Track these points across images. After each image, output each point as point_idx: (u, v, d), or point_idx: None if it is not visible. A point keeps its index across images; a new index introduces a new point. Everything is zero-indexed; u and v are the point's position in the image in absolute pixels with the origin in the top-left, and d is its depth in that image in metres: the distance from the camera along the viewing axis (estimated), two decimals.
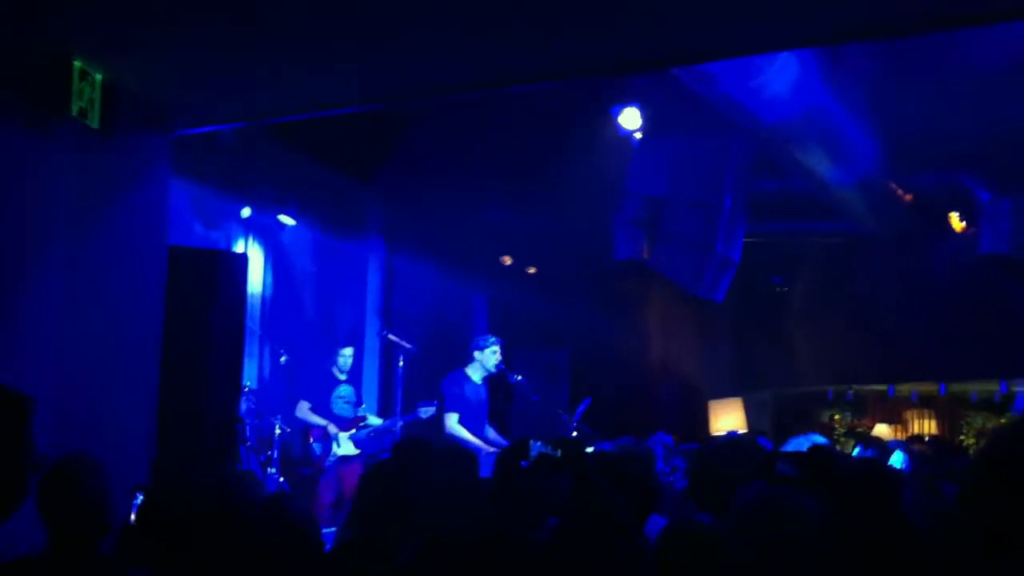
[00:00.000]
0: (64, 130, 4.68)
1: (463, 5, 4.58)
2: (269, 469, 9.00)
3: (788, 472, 3.24)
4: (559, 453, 3.62)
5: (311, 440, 9.22)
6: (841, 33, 4.77)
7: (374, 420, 9.73)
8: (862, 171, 9.91)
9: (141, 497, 3.90)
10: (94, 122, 4.76)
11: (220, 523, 3.00)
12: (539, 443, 3.72)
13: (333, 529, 6.15)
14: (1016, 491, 1.59)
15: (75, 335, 4.90)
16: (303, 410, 9.24)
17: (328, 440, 9.15)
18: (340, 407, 9.35)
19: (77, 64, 4.65)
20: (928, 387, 14.61)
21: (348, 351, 9.53)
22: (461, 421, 8.50)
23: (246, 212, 9.76)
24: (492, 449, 8.12)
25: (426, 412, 9.11)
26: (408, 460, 5.07)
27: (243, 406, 8.51)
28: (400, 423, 9.39)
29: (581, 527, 3.49)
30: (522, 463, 3.70)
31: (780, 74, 7.65)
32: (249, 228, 10.21)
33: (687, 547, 2.75)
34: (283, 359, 9.92)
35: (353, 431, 9.25)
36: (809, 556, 3.01)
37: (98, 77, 4.76)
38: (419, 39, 4.82)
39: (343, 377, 9.45)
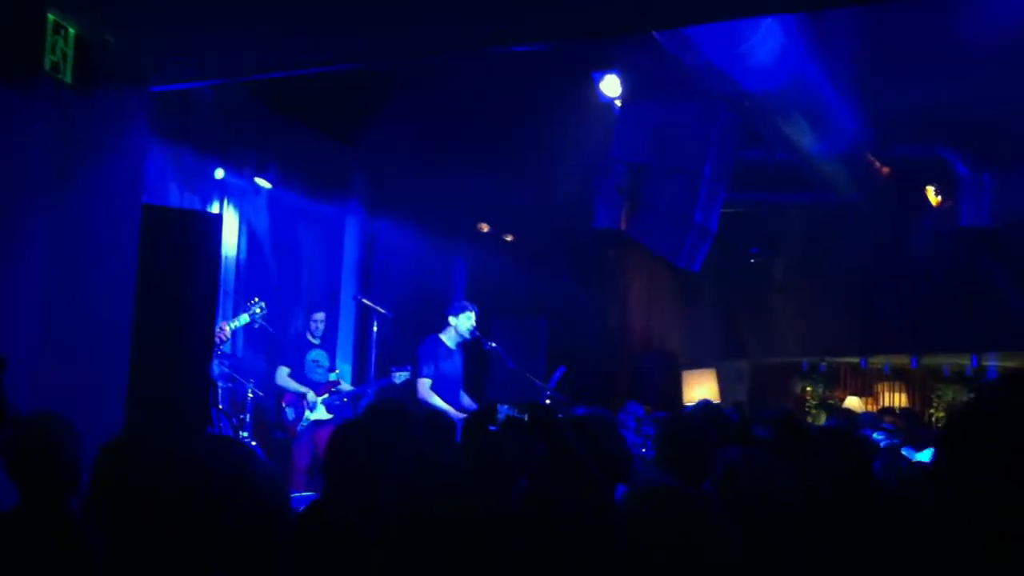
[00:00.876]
0: (36, 84, 4.59)
1: None
2: (241, 432, 8.96)
3: (764, 436, 3.25)
4: (526, 417, 3.60)
5: (284, 404, 9.20)
6: None
7: (347, 386, 9.72)
8: (843, 143, 9.91)
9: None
10: (67, 76, 4.67)
11: (182, 490, 2.97)
12: (507, 406, 3.71)
13: (309, 493, 6.15)
14: (977, 470, 1.58)
15: (50, 293, 4.84)
16: (282, 376, 9.22)
17: (302, 405, 9.13)
18: (313, 371, 9.33)
19: (51, 17, 4.55)
20: (901, 360, 14.72)
21: (320, 315, 9.51)
22: (435, 387, 8.48)
23: (219, 173, 9.65)
24: (465, 415, 8.12)
25: (400, 377, 9.11)
26: (382, 420, 5.06)
27: (216, 369, 8.46)
28: (374, 388, 9.37)
29: (554, 489, 3.48)
30: (490, 427, 3.69)
31: (764, 42, 7.61)
32: (224, 190, 10.11)
33: (652, 508, 2.73)
34: (259, 311, 9.78)
35: (326, 396, 9.23)
36: (784, 518, 3.02)
37: (72, 30, 4.66)
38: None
39: (316, 341, 9.43)
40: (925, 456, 6.20)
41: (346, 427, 4.18)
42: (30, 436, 3.41)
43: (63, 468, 3.37)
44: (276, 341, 9.77)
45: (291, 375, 9.22)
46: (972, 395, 1.74)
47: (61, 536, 3.21)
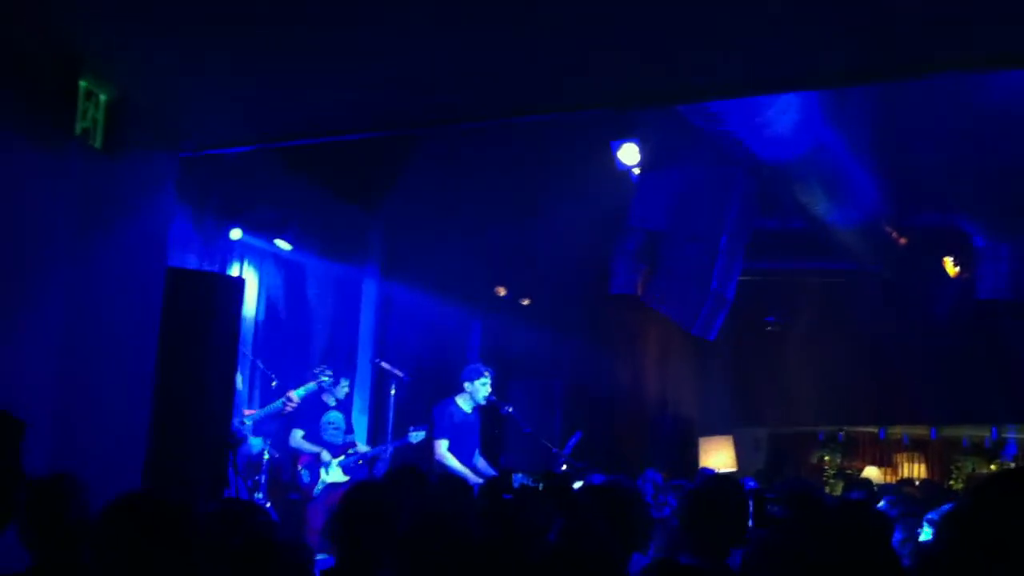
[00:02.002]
0: (67, 150, 4.66)
1: (470, 40, 4.59)
2: (256, 494, 8.93)
3: (777, 513, 3.23)
4: (541, 486, 3.60)
5: (299, 466, 9.17)
6: (844, 75, 4.80)
7: (363, 447, 9.70)
8: (860, 212, 9.94)
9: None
10: (97, 142, 4.75)
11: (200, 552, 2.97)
12: (521, 475, 3.71)
13: (324, 556, 6.11)
14: (989, 548, 1.59)
15: (73, 354, 4.87)
16: (296, 438, 9.21)
17: (317, 467, 9.10)
18: (330, 433, 9.31)
19: (83, 84, 4.64)
20: (920, 430, 14.60)
21: (346, 382, 9.57)
22: (450, 449, 8.46)
23: (236, 234, 9.72)
24: (480, 479, 8.08)
25: (416, 437, 9.10)
26: (400, 481, 5.05)
27: (233, 430, 8.46)
28: (390, 448, 9.35)
29: (567, 558, 3.46)
30: (505, 495, 3.69)
31: (782, 113, 7.68)
32: (244, 252, 10.18)
33: None
34: (274, 384, 9.85)
35: (342, 457, 9.21)
36: None
37: (103, 97, 4.75)
38: (428, 68, 4.84)
39: (333, 403, 9.43)
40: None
41: (356, 489, 4.18)
42: (41, 498, 3.41)
43: (76, 528, 3.36)
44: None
45: (305, 437, 9.20)
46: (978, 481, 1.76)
47: None
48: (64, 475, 3.61)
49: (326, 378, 9.18)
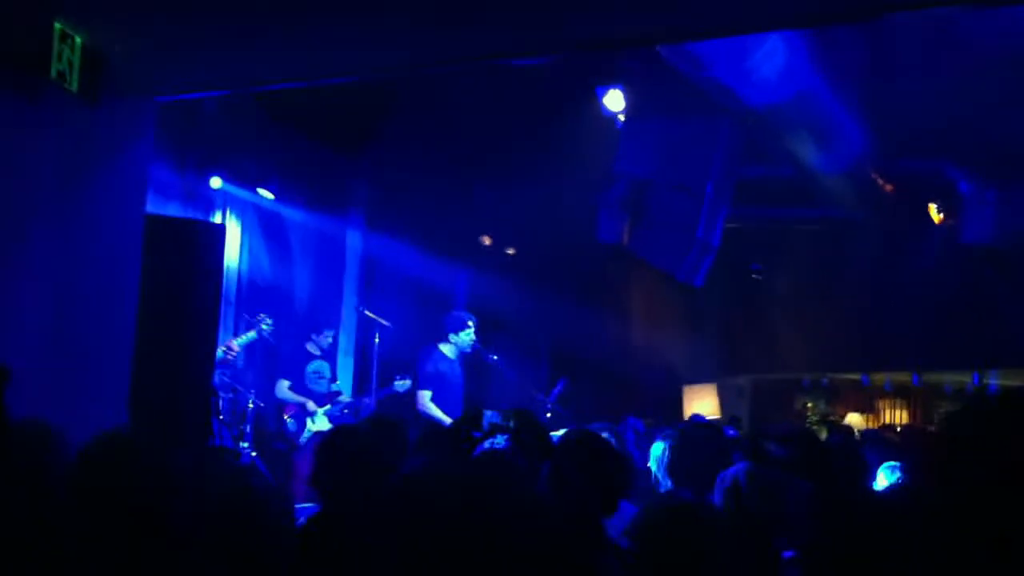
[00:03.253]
0: (42, 92, 4.59)
1: None
2: (242, 443, 8.94)
3: (776, 452, 3.25)
4: (512, 424, 3.57)
5: (286, 416, 9.18)
6: (831, 13, 4.75)
7: (348, 397, 9.72)
8: (847, 158, 9.92)
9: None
10: (73, 85, 4.66)
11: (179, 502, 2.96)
12: (492, 412, 3.68)
13: (311, 505, 6.13)
14: (970, 470, 1.59)
15: (54, 302, 4.83)
16: (282, 389, 9.21)
17: (303, 416, 9.12)
18: (314, 382, 9.32)
19: (58, 26, 4.55)
20: (902, 377, 14.70)
21: (330, 332, 9.56)
22: (435, 399, 8.47)
23: (216, 182, 9.64)
24: None
25: (402, 386, 9.13)
26: (373, 429, 5.04)
27: (217, 379, 8.45)
28: (375, 397, 9.36)
29: (548, 514, 3.45)
30: (475, 433, 3.66)
31: (769, 58, 7.62)
32: (227, 201, 10.11)
33: (671, 520, 2.72)
34: (266, 327, 9.78)
35: (328, 407, 9.22)
36: (796, 531, 3.01)
37: (79, 40, 4.67)
38: (408, 11, 4.76)
39: (318, 352, 9.42)
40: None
41: (336, 434, 4.17)
42: (15, 444, 3.37)
43: (51, 474, 3.32)
44: (277, 353, 9.77)
45: (291, 387, 9.21)
46: (952, 414, 1.75)
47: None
48: (35, 420, 3.58)
49: (266, 326, 9.14)
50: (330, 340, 9.57)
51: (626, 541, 3.34)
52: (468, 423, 3.59)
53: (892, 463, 6.31)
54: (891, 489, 4.61)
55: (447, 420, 8.24)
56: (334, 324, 10.00)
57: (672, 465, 4.56)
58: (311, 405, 9.12)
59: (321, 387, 9.32)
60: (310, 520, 3.91)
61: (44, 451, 3.42)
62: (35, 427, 3.51)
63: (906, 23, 7.62)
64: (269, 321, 9.18)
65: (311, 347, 9.40)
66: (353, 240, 11.81)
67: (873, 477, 5.52)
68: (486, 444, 4.00)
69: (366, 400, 9.57)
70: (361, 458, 3.87)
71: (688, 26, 5.15)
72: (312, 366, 9.35)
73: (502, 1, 4.70)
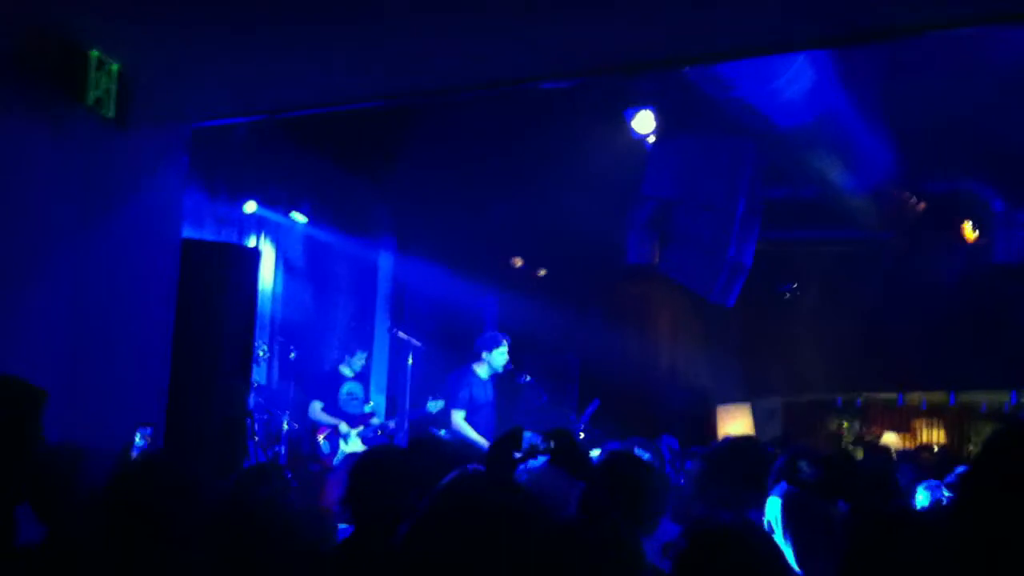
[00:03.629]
0: (79, 120, 4.68)
1: (477, 4, 4.57)
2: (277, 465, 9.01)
3: (809, 474, 3.25)
4: (552, 444, 3.58)
5: (320, 437, 9.24)
6: (858, 33, 4.76)
7: (380, 420, 9.77)
8: (875, 178, 9.88)
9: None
10: (109, 112, 4.76)
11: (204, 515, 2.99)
12: (531, 433, 3.68)
13: (345, 525, 6.15)
14: (1009, 494, 1.59)
15: (86, 326, 4.91)
16: (315, 410, 9.25)
17: (336, 438, 9.16)
18: (348, 404, 9.37)
19: (94, 54, 4.65)
20: (938, 396, 14.55)
21: (363, 355, 9.60)
22: (467, 419, 8.49)
23: (250, 207, 9.76)
24: None
25: (435, 407, 9.15)
26: (407, 450, 5.06)
27: (252, 401, 8.53)
28: (408, 419, 9.39)
29: (577, 533, 3.46)
30: (515, 453, 3.67)
31: (795, 78, 7.63)
32: (261, 225, 10.23)
33: (712, 543, 2.72)
34: (292, 355, 9.95)
35: (361, 428, 9.27)
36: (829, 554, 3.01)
37: (114, 67, 4.77)
38: (435, 36, 4.83)
39: (351, 374, 9.48)
40: None
41: (368, 454, 4.18)
42: (47, 468, 3.41)
43: (83, 499, 3.36)
44: (310, 374, 9.85)
45: (324, 408, 9.26)
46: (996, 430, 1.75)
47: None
48: (68, 444, 3.63)
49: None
50: (363, 362, 9.64)
51: (665, 561, 3.35)
52: (507, 443, 3.60)
53: (929, 482, 6.27)
54: (928, 509, 4.57)
55: (482, 441, 8.26)
56: (367, 346, 10.05)
57: (704, 484, 4.54)
58: (344, 427, 9.18)
59: (355, 408, 9.37)
60: (344, 541, 3.94)
61: (76, 473, 3.46)
62: (67, 450, 3.56)
63: (933, 41, 7.60)
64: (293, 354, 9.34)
65: (344, 369, 9.45)
66: (384, 263, 11.89)
67: (910, 497, 5.47)
68: (525, 465, 4.02)
69: (399, 421, 9.61)
70: (395, 479, 3.89)
71: (714, 48, 5.19)
72: (346, 388, 9.40)
73: (528, 26, 4.75)
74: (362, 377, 9.75)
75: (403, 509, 3.77)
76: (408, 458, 4.10)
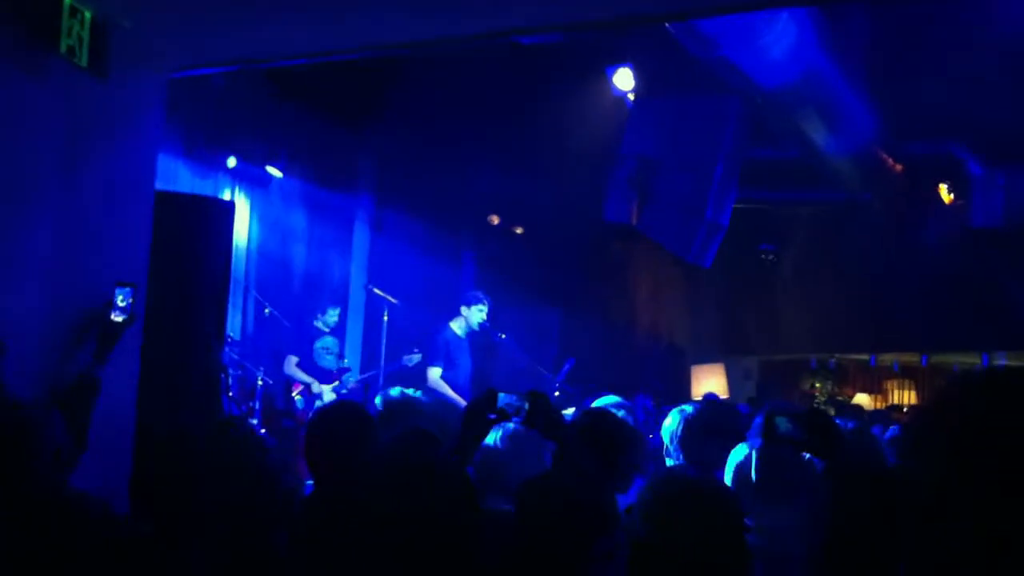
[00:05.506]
0: (52, 68, 4.58)
1: None
2: (251, 420, 8.98)
3: (790, 432, 3.26)
4: (526, 405, 3.57)
5: (294, 393, 9.22)
6: None
7: (355, 376, 9.75)
8: (856, 140, 9.89)
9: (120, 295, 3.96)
10: (83, 60, 4.65)
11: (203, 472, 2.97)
12: (506, 394, 3.67)
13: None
14: (955, 445, 1.60)
15: (61, 278, 4.84)
16: (291, 365, 9.23)
17: (312, 396, 9.14)
18: (324, 359, 9.33)
19: (67, 1, 4.55)
20: (910, 358, 14.70)
21: (336, 310, 9.56)
22: (444, 376, 8.49)
23: (232, 162, 9.67)
24: None
25: (410, 361, 9.14)
26: (390, 411, 5.04)
27: (226, 356, 8.47)
28: (383, 372, 9.38)
29: (552, 483, 3.46)
30: (488, 415, 3.66)
31: (779, 38, 7.59)
32: (236, 178, 10.12)
33: (674, 493, 2.73)
34: (267, 311, 9.88)
35: (336, 383, 9.25)
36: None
37: (88, 14, 4.65)
38: None
39: (326, 329, 9.44)
40: None
41: (328, 409, 4.16)
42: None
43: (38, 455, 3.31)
44: (286, 329, 9.80)
45: (300, 364, 9.23)
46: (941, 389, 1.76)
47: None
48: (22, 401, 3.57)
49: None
50: (335, 318, 9.59)
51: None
52: (483, 405, 3.59)
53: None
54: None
55: (458, 399, 8.26)
56: (339, 302, 10.00)
57: (685, 440, 4.59)
58: (316, 387, 9.13)
59: (329, 363, 9.34)
60: (307, 498, 3.92)
61: (41, 428, 3.41)
62: (34, 406, 3.51)
63: (916, 4, 7.59)
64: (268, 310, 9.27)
65: (319, 324, 9.42)
66: (361, 217, 11.82)
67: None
68: (500, 425, 4.01)
69: (374, 375, 9.59)
70: (350, 435, 3.87)
71: (698, 3, 5.13)
72: (321, 343, 9.37)
73: None
74: (337, 332, 9.72)
75: (360, 465, 3.76)
76: (363, 413, 4.08)
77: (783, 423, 3.23)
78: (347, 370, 9.52)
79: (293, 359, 9.24)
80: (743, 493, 4.18)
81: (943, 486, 1.59)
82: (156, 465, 2.95)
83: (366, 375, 9.73)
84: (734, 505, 2.76)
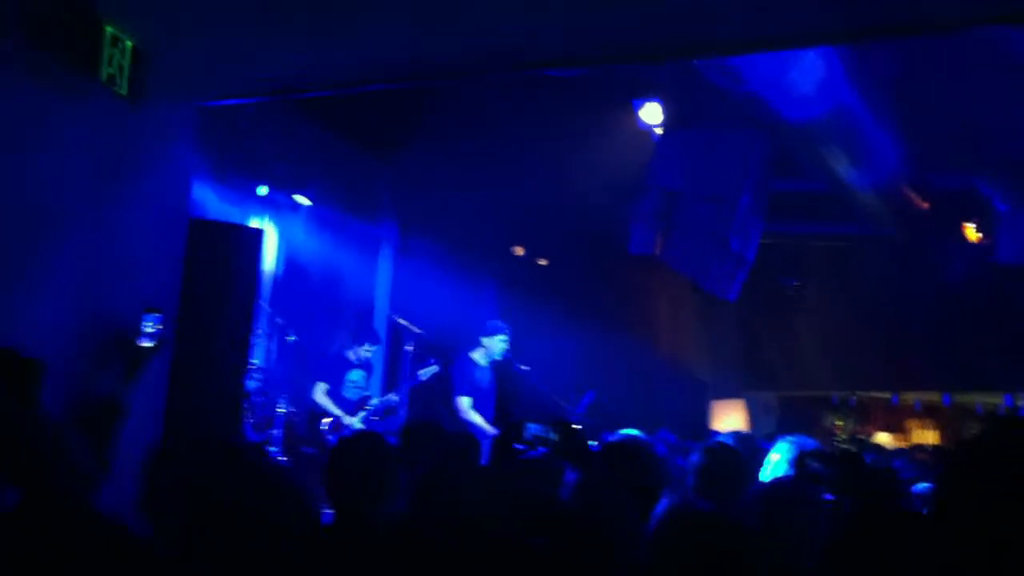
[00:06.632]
0: (93, 95, 4.66)
1: None
2: (270, 448, 8.98)
3: (818, 470, 3.26)
4: (554, 436, 3.59)
5: (324, 422, 9.13)
6: (871, 29, 4.75)
7: (377, 400, 9.74)
8: (881, 174, 9.88)
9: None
10: (123, 89, 4.74)
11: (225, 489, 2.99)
12: (534, 425, 3.69)
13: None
14: (987, 492, 1.59)
15: (91, 300, 4.90)
16: (319, 392, 9.15)
17: (341, 432, 9.04)
18: (350, 391, 9.31)
19: (108, 30, 4.63)
20: (932, 397, 14.58)
21: (373, 347, 9.53)
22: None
23: (263, 191, 9.74)
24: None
25: (426, 373, 9.12)
26: (415, 437, 5.05)
27: (250, 383, 8.49)
28: (403, 391, 9.37)
29: (583, 520, 3.47)
30: (517, 445, 3.68)
31: (807, 73, 7.62)
32: (264, 206, 10.19)
33: (685, 526, 2.73)
34: (290, 339, 9.90)
35: (363, 414, 9.20)
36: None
37: (128, 44, 4.75)
38: (448, 17, 4.81)
39: (357, 362, 9.41)
40: None
41: (348, 440, 4.15)
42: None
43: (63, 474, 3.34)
44: (313, 356, 9.81)
45: (329, 392, 9.17)
46: (975, 432, 1.75)
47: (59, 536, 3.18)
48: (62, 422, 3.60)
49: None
50: (369, 354, 9.53)
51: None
52: (511, 435, 3.61)
53: (923, 484, 6.30)
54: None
55: (488, 429, 8.27)
56: (375, 340, 9.91)
57: (698, 478, 4.56)
58: (346, 419, 9.06)
59: (354, 395, 9.31)
60: (326, 526, 3.92)
61: (69, 447, 3.44)
62: (61, 427, 3.54)
63: (944, 39, 7.59)
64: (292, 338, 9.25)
65: (351, 355, 9.37)
66: (386, 246, 11.87)
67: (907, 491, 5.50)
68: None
69: (394, 395, 9.55)
70: (372, 466, 3.86)
71: (726, 40, 5.17)
72: (351, 375, 9.32)
73: (539, 11, 4.73)
74: (367, 366, 9.67)
75: (381, 496, 3.75)
76: (386, 444, 4.08)
77: (811, 462, 3.24)
78: (368, 398, 9.51)
79: (322, 386, 9.17)
80: None
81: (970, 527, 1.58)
82: (169, 484, 2.96)
83: (385, 398, 9.66)
84: (747, 540, 2.75)
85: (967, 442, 1.73)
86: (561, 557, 3.34)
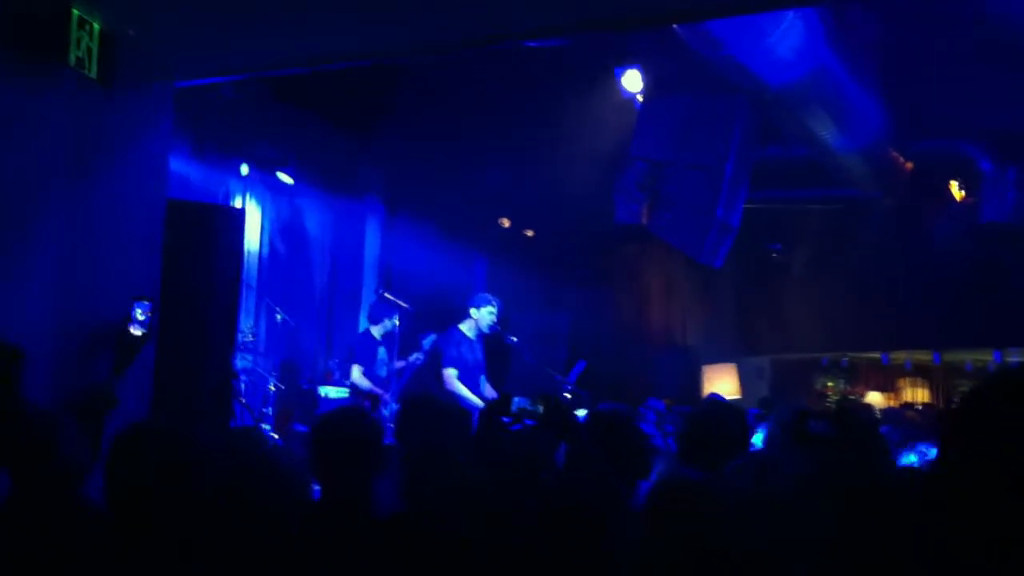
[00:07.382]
0: (61, 79, 4.62)
1: None
2: (263, 425, 8.98)
3: (820, 430, 3.26)
4: (541, 409, 3.60)
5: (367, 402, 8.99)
6: None
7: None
8: (865, 138, 9.86)
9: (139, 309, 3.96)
10: (92, 71, 4.70)
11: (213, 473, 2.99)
12: (520, 398, 3.69)
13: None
14: (987, 444, 1.59)
15: (72, 287, 4.87)
16: (357, 374, 9.00)
17: (381, 408, 8.92)
18: (381, 368, 9.22)
19: (75, 12, 4.59)
20: (922, 356, 14.62)
21: (390, 321, 9.38)
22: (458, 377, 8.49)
23: (244, 170, 9.69)
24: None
25: (427, 342, 9.08)
26: (408, 410, 5.05)
27: (239, 362, 8.48)
28: (408, 370, 9.34)
29: (570, 492, 3.47)
30: (504, 418, 3.68)
31: (786, 36, 7.58)
32: (247, 185, 10.15)
33: (674, 498, 2.73)
34: (279, 317, 9.89)
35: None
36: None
37: (96, 26, 4.70)
38: None
39: (380, 339, 9.33)
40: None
41: (330, 415, 4.14)
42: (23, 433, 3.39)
43: (55, 464, 3.33)
44: (297, 333, 9.78)
45: (364, 373, 9.06)
46: (971, 389, 1.74)
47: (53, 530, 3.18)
48: (49, 410, 3.59)
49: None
50: (392, 327, 9.32)
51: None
52: (497, 408, 3.61)
53: (914, 443, 6.32)
54: (914, 468, 4.60)
55: (476, 400, 8.25)
56: (392, 312, 9.71)
57: (683, 441, 4.56)
58: (387, 396, 8.95)
59: (384, 373, 9.16)
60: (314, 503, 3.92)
61: (55, 438, 3.43)
62: (48, 415, 3.53)
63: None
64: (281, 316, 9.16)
65: (376, 332, 9.21)
66: (372, 223, 11.84)
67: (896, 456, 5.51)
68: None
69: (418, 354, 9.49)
70: (353, 442, 3.85)
71: (705, 4, 5.14)
72: (380, 353, 9.23)
73: None
74: (387, 341, 9.53)
75: (365, 470, 3.75)
76: (368, 417, 4.07)
77: (814, 424, 3.23)
78: (394, 371, 9.38)
79: (358, 368, 8.99)
80: None
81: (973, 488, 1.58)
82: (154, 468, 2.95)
83: (413, 357, 9.54)
84: (735, 507, 2.76)
85: (969, 394, 1.71)
86: (547, 531, 3.35)
